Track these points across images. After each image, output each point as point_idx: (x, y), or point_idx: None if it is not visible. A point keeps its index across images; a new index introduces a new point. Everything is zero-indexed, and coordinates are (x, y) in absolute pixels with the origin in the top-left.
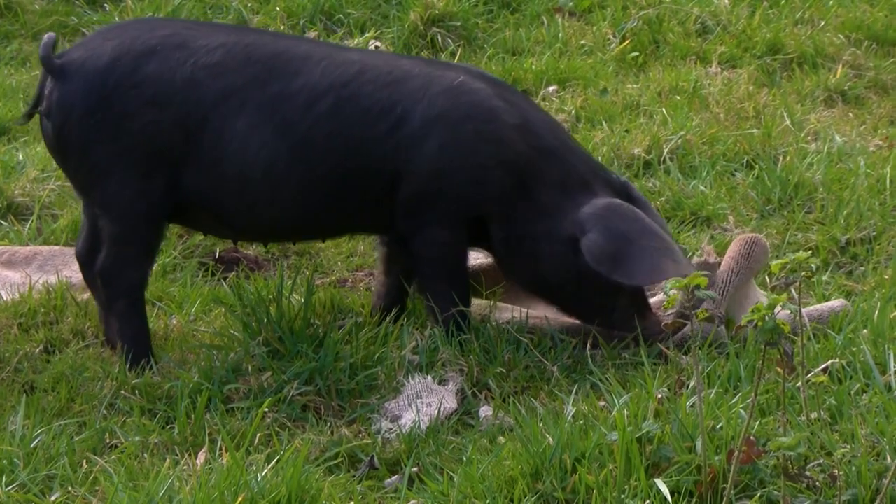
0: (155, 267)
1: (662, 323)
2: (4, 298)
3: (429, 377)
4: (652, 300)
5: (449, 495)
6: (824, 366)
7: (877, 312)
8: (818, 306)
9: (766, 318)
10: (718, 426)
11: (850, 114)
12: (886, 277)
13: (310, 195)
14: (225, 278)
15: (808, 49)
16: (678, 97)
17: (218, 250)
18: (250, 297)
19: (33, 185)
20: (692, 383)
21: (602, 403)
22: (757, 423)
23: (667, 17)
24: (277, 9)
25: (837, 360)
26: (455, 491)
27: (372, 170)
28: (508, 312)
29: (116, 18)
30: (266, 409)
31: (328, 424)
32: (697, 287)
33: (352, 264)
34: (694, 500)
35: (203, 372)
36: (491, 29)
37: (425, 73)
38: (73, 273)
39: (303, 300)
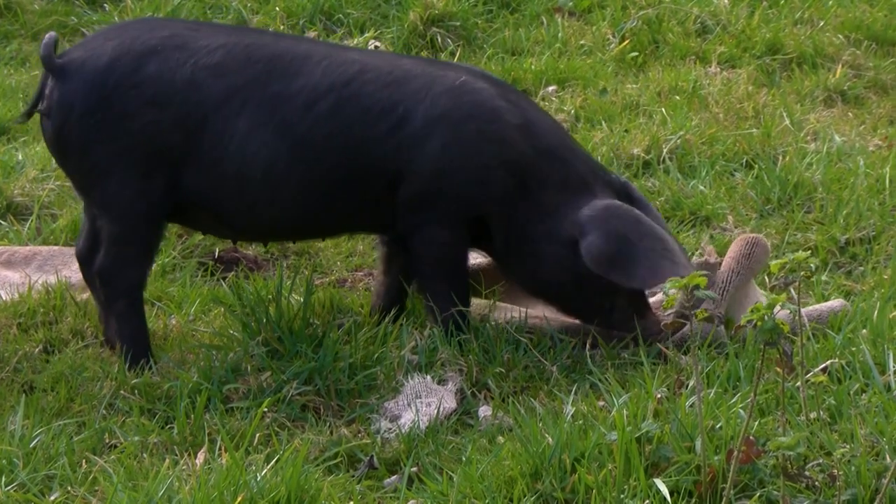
0: (154, 267)
1: (662, 323)
2: (4, 298)
3: (428, 377)
4: (652, 300)
5: (448, 495)
6: (823, 366)
7: (876, 312)
8: (817, 306)
9: (766, 317)
10: (718, 426)
11: (850, 114)
12: (886, 277)
13: (310, 195)
14: (224, 278)
15: (807, 49)
16: (677, 97)
17: (217, 250)
18: (249, 296)
19: (33, 184)
20: (691, 383)
21: (601, 403)
22: (756, 423)
23: (666, 17)
24: (277, 9)
25: (837, 360)
26: (454, 491)
27: (373, 170)
28: (507, 312)
29: (116, 18)
30: (265, 409)
31: (327, 424)
32: (697, 287)
33: (351, 264)
34: (693, 499)
35: (202, 372)
36: (490, 29)
37: (427, 73)
38: (73, 273)
39: (302, 300)
